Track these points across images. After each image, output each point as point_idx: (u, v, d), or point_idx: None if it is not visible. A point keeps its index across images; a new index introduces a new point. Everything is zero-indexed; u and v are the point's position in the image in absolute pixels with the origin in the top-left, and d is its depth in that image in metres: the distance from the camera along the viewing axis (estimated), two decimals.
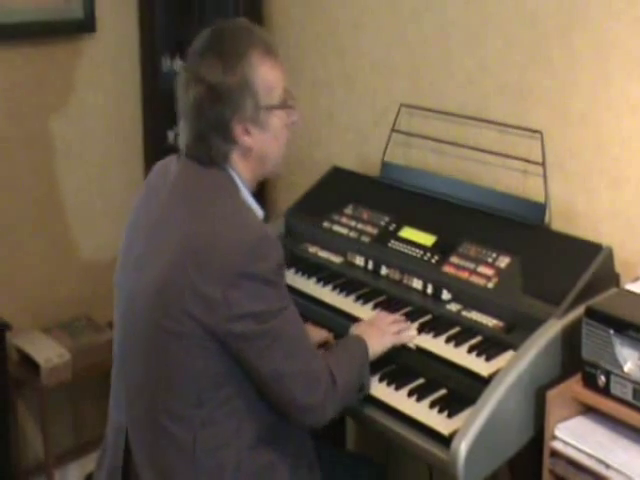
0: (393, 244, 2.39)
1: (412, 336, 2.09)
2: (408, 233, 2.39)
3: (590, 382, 1.87)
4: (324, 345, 2.12)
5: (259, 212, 1.83)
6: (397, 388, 2.00)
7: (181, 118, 1.78)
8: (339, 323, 2.21)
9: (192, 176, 1.77)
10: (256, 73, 1.73)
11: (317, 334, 2.16)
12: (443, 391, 1.99)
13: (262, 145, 1.78)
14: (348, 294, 2.30)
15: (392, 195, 2.56)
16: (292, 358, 1.71)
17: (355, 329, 2.09)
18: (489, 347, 2.01)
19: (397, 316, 2.14)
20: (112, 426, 1.90)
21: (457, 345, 2.04)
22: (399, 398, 1.98)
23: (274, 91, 1.77)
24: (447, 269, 2.24)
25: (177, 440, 1.74)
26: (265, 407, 1.77)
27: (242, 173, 1.79)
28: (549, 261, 2.13)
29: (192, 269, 1.65)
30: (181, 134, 1.79)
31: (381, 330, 2.06)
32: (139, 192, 1.92)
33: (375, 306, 2.23)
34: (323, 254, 2.51)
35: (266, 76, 1.75)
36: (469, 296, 2.17)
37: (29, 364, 2.95)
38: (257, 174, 1.83)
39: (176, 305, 1.66)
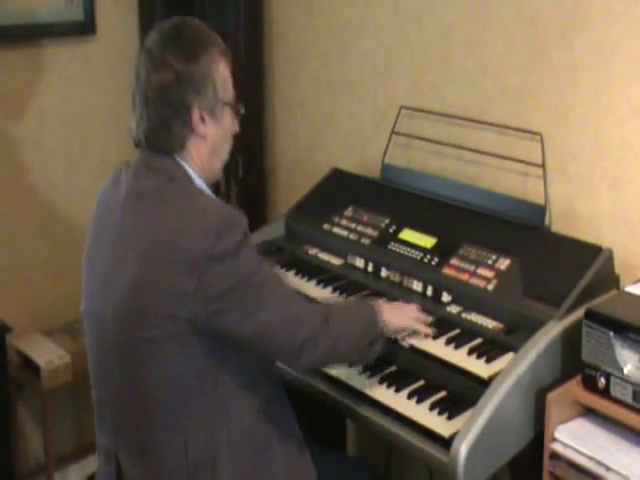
0: (393, 246, 2.39)
1: (427, 330, 2.09)
2: (408, 235, 2.39)
3: (590, 384, 1.87)
4: None
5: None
6: (397, 390, 2.00)
7: (139, 105, 1.79)
8: None
9: (144, 176, 1.78)
10: (216, 66, 1.79)
11: None
12: (443, 393, 1.99)
13: (214, 138, 1.82)
14: (348, 296, 2.29)
15: (392, 197, 2.56)
16: (270, 310, 1.74)
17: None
18: (489, 349, 2.01)
19: (418, 306, 2.15)
20: (101, 451, 1.90)
21: (457, 347, 2.04)
22: (399, 400, 1.98)
23: (228, 88, 1.84)
24: (447, 271, 2.24)
25: (170, 445, 1.75)
26: (249, 391, 1.80)
27: (194, 162, 1.81)
28: (549, 263, 2.13)
29: (162, 273, 1.66)
30: (138, 123, 1.80)
31: (397, 308, 2.07)
32: (93, 214, 1.92)
33: None
34: (323, 256, 2.51)
35: (224, 72, 1.82)
36: (469, 298, 2.17)
37: (30, 366, 2.95)
38: (206, 167, 1.84)
39: (153, 313, 1.67)
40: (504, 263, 2.17)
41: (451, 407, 1.92)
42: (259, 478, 1.83)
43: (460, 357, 2.01)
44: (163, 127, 1.76)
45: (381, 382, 2.04)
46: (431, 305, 2.20)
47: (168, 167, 1.77)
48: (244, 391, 1.79)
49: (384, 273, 2.36)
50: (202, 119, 1.78)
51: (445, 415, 1.90)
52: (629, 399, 1.81)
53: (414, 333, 2.09)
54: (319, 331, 1.81)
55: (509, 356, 1.98)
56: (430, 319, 2.13)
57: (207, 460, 1.76)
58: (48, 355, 2.95)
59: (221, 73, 1.80)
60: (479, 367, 1.96)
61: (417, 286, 2.27)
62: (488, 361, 1.97)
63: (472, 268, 2.21)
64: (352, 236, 2.49)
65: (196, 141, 1.79)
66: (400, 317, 2.06)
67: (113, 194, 1.83)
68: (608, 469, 1.79)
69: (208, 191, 1.85)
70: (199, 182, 1.82)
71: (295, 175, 3.16)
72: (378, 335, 1.96)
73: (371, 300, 2.08)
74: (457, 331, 2.10)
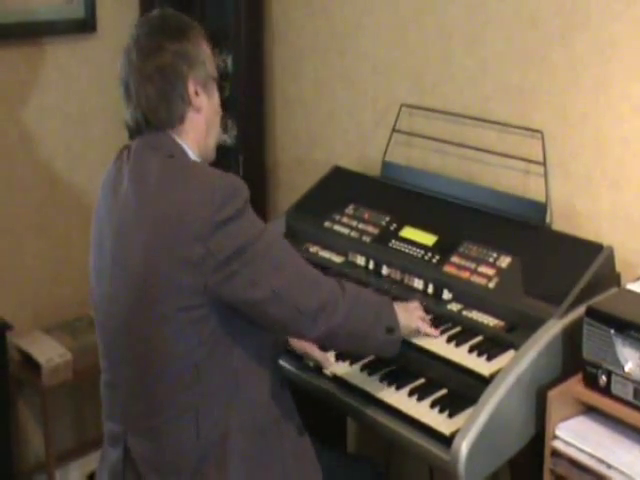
0: (394, 244, 2.39)
1: (433, 332, 2.09)
2: (409, 233, 2.39)
3: (591, 382, 1.87)
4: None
5: None
6: (398, 388, 2.01)
7: (136, 90, 1.81)
8: None
9: (145, 157, 1.81)
10: (203, 45, 1.88)
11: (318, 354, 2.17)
12: (444, 391, 1.99)
13: (208, 111, 1.89)
14: None
15: (393, 195, 2.56)
16: (282, 272, 1.75)
17: None
18: (490, 347, 2.01)
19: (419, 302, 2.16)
20: (108, 437, 1.91)
21: (458, 345, 2.04)
22: (400, 398, 1.98)
23: (213, 65, 1.92)
24: (448, 269, 2.24)
25: (181, 425, 1.76)
26: (259, 370, 1.82)
27: (190, 141, 1.86)
28: (550, 261, 2.13)
29: (170, 246, 1.69)
30: (136, 107, 1.83)
31: (408, 310, 2.07)
32: (99, 196, 1.94)
33: None
34: (324, 254, 2.51)
35: (208, 50, 1.90)
36: (470, 296, 2.17)
37: (30, 364, 2.95)
38: (202, 144, 1.89)
39: (165, 287, 1.69)
40: (505, 261, 2.18)
41: (452, 405, 1.92)
42: (268, 459, 1.83)
43: (461, 355, 2.01)
44: (163, 104, 1.81)
45: (382, 380, 2.04)
46: (432, 303, 2.20)
47: (167, 146, 1.82)
48: (255, 370, 1.81)
49: (385, 271, 2.36)
50: (196, 92, 1.85)
51: (446, 413, 1.90)
52: (630, 397, 1.81)
53: (416, 332, 2.09)
54: (337, 294, 1.82)
55: (510, 354, 1.98)
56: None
57: (217, 440, 1.77)
58: (49, 353, 2.95)
59: (207, 50, 1.89)
60: (480, 365, 1.96)
61: (418, 284, 2.27)
62: (489, 359, 1.98)
63: (473, 266, 2.21)
64: (353, 234, 2.49)
65: (193, 115, 1.85)
66: (409, 318, 2.05)
67: (117, 179, 1.86)
68: (609, 467, 1.79)
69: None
70: (195, 158, 1.86)
71: (296, 173, 3.16)
72: (394, 323, 1.94)
73: None
74: (458, 329, 2.11)
